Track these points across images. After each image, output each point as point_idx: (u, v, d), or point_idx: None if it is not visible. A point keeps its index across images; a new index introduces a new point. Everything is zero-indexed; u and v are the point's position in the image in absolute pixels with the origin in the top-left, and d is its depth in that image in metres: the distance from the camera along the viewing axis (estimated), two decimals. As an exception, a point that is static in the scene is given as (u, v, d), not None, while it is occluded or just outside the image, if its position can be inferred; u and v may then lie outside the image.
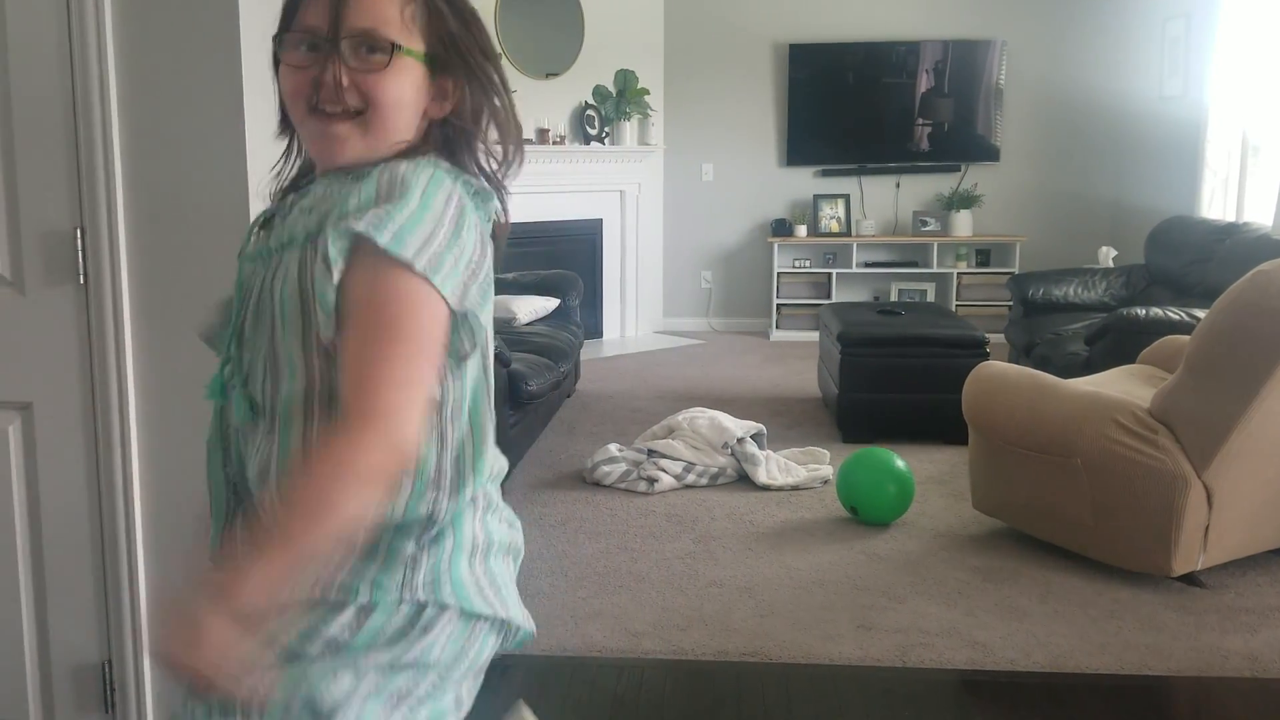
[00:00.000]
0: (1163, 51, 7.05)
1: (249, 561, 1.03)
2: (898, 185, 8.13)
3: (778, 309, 8.05)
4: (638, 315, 7.92)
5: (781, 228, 8.06)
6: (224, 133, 1.83)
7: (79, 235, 1.85)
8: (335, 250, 1.07)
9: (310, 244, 1.11)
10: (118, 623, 1.97)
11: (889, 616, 3.19)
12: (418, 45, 1.15)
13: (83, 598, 1.97)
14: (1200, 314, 3.98)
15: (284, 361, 1.14)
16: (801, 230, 8.04)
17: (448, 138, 1.20)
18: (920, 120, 8.02)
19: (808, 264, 8.09)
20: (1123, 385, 3.77)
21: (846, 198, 8.12)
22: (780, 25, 8.04)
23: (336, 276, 1.07)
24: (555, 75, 7.21)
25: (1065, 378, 3.87)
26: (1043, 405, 3.58)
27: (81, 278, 1.86)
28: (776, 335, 8.01)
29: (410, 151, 1.17)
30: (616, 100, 7.44)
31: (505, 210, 1.24)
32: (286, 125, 1.25)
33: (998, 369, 3.84)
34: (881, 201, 8.18)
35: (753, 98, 8.15)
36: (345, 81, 1.12)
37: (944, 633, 3.07)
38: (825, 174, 8.16)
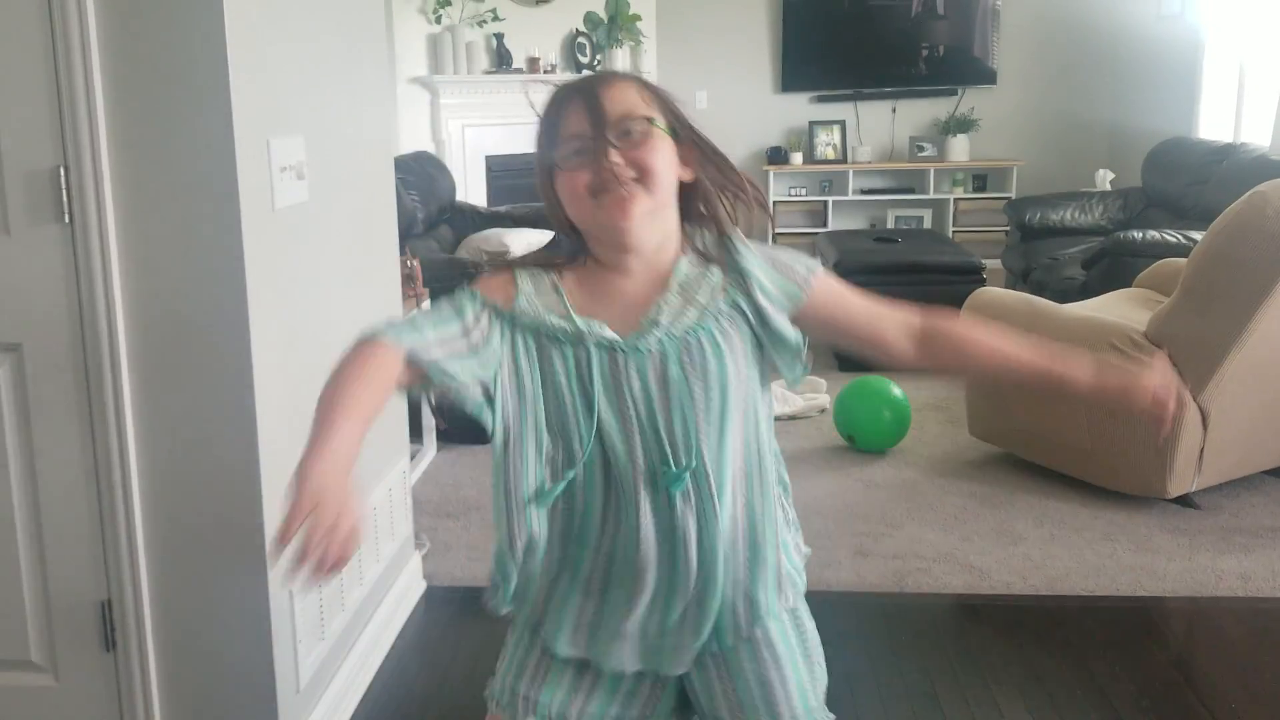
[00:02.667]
0: (1162, -31, 6.95)
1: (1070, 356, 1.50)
2: (894, 110, 8.06)
3: (774, 238, 8.01)
4: (633, 246, 7.87)
5: (777, 155, 8.00)
6: (207, 66, 1.79)
7: (63, 173, 1.83)
8: (790, 293, 1.41)
9: (724, 319, 1.37)
10: (116, 560, 1.97)
11: (886, 543, 3.21)
12: (660, 118, 1.37)
13: (80, 537, 1.97)
14: (1197, 237, 3.95)
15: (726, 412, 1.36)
16: (797, 158, 7.98)
17: (699, 198, 1.43)
18: (916, 44, 7.92)
19: (804, 192, 8.04)
20: (1119, 309, 3.76)
21: (842, 124, 8.04)
22: (773, -52, 7.91)
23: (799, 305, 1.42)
24: (545, 2, 7.10)
25: (1062, 302, 3.87)
26: (1039, 330, 3.56)
27: (66, 216, 1.84)
28: (772, 264, 7.99)
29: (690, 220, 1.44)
30: (608, 27, 7.33)
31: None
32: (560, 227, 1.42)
33: (994, 295, 3.83)
34: (877, 127, 8.11)
35: (746, 23, 8.05)
36: (621, 160, 1.32)
37: (941, 558, 3.10)
38: (821, 100, 8.08)
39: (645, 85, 1.40)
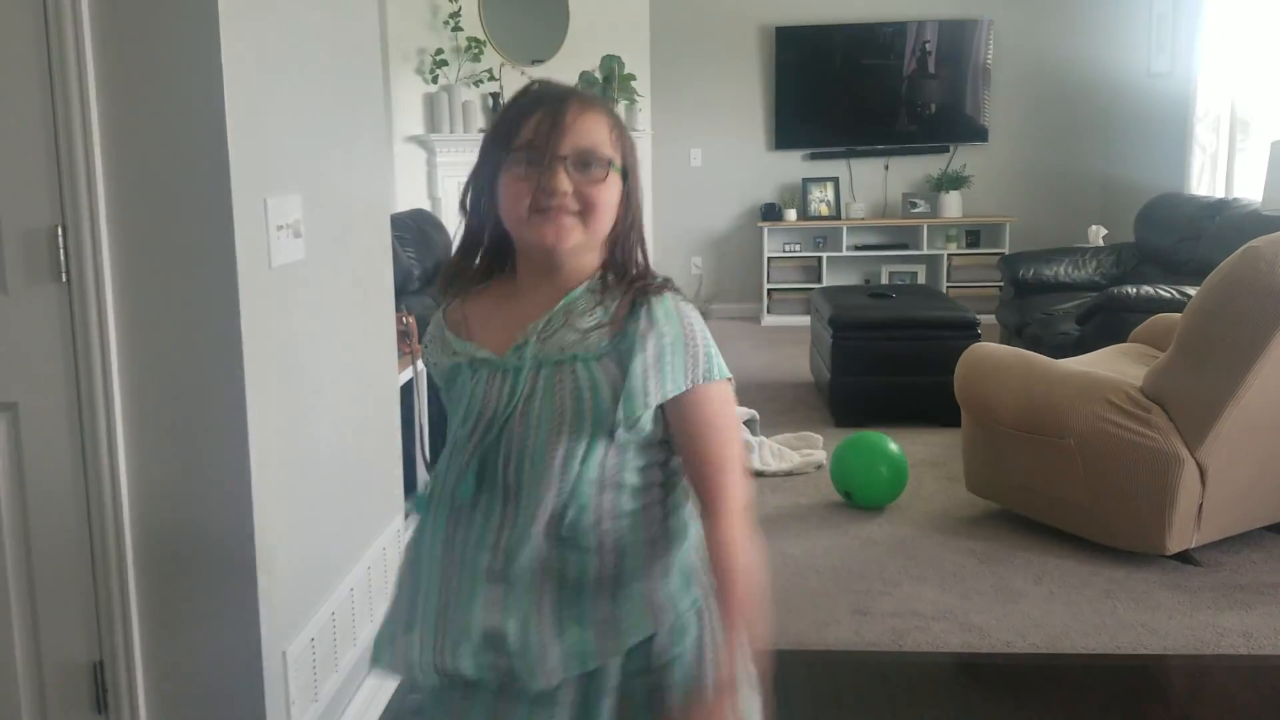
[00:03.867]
0: (1150, 27, 7.04)
1: (727, 650, 1.35)
2: (886, 167, 8.12)
3: (769, 294, 8.04)
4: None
5: (771, 212, 8.05)
6: (205, 126, 1.81)
7: (60, 232, 1.83)
8: (671, 387, 1.35)
9: (605, 364, 1.35)
10: (109, 622, 1.95)
11: (884, 601, 3.18)
12: (619, 161, 1.38)
13: (73, 598, 1.95)
14: (1191, 291, 3.97)
15: (573, 448, 1.35)
16: (791, 214, 8.02)
17: (615, 237, 1.41)
18: (908, 102, 8.00)
19: (798, 248, 8.08)
20: (1115, 365, 3.77)
21: (835, 181, 8.10)
22: (766, 8, 8.02)
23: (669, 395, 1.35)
24: (540, 62, 7.17)
25: (1057, 358, 3.87)
26: (1035, 386, 3.57)
27: (64, 275, 1.84)
28: (768, 320, 8.00)
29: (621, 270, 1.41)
30: (603, 87, 7.40)
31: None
32: (477, 235, 1.44)
33: (989, 350, 3.83)
34: (870, 184, 8.17)
35: (740, 82, 8.13)
36: (569, 189, 1.33)
37: (939, 616, 3.07)
38: (814, 157, 8.15)
39: (616, 124, 1.40)
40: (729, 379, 1.40)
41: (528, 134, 1.34)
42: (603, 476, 1.36)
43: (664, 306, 1.36)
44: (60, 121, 1.80)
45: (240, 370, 1.86)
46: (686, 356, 1.35)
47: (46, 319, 1.86)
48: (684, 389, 1.35)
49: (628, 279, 1.40)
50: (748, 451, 4.40)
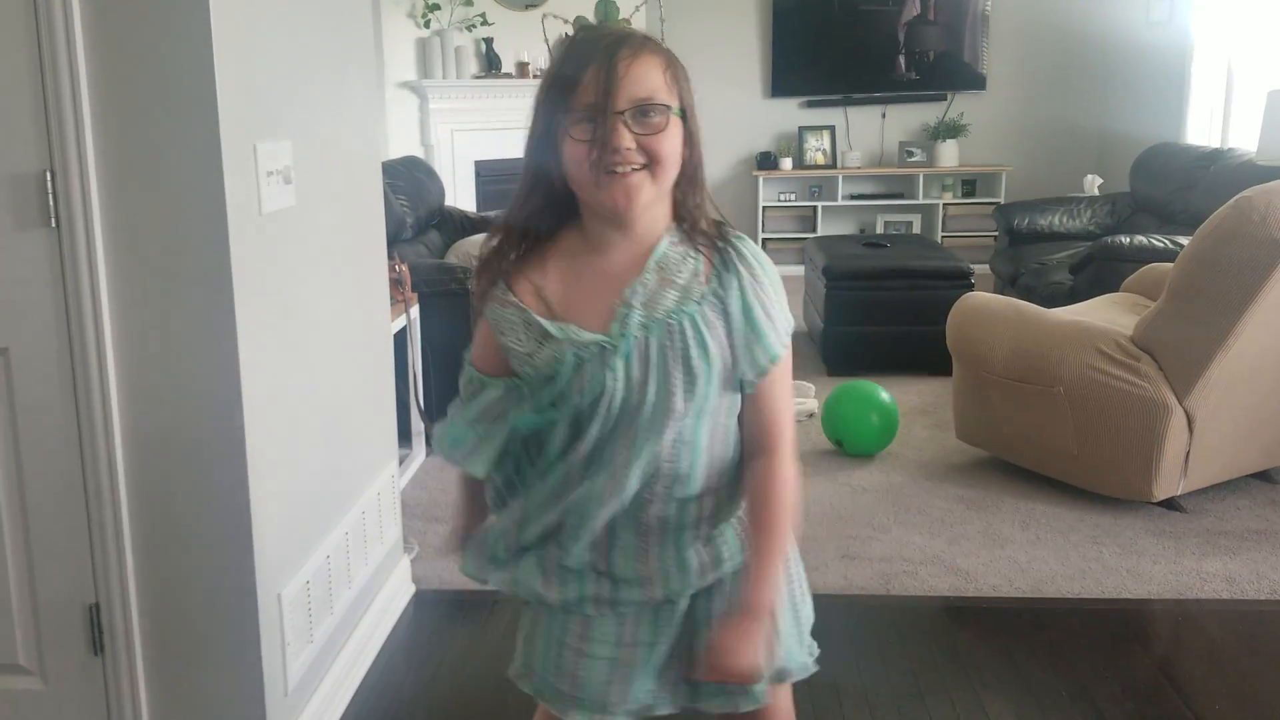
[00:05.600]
0: (1149, -25, 6.98)
1: (763, 576, 1.39)
2: (883, 116, 8.08)
3: (763, 243, 8.03)
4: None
5: (766, 160, 8.02)
6: (193, 70, 1.80)
7: (49, 178, 1.83)
8: (785, 325, 1.42)
9: (705, 312, 1.36)
10: (104, 564, 1.97)
11: (873, 546, 3.22)
12: (676, 104, 1.33)
13: (68, 541, 1.97)
14: (1184, 241, 3.98)
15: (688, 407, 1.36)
16: (787, 163, 7.99)
17: (683, 180, 1.38)
18: (906, 49, 7.95)
19: (793, 197, 8.06)
20: (1106, 314, 3.78)
21: (832, 129, 8.07)
22: (763, -46, 7.94)
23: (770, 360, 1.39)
24: (534, 6, 7.11)
25: (1049, 307, 3.88)
26: (1026, 335, 3.59)
27: (54, 221, 1.84)
28: (762, 269, 7.99)
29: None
30: (598, 33, 7.34)
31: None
32: (536, 185, 1.38)
33: (981, 300, 3.84)
34: (867, 133, 8.13)
35: (736, 28, 8.07)
36: (634, 145, 1.29)
37: (927, 561, 3.11)
38: (810, 105, 8.10)
39: (670, 63, 1.34)
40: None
41: (584, 94, 1.29)
42: (714, 428, 1.40)
43: (749, 248, 1.40)
44: (48, 66, 1.80)
45: (231, 316, 1.87)
46: (783, 297, 1.41)
47: (36, 264, 1.86)
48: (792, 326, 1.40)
49: (705, 221, 1.40)
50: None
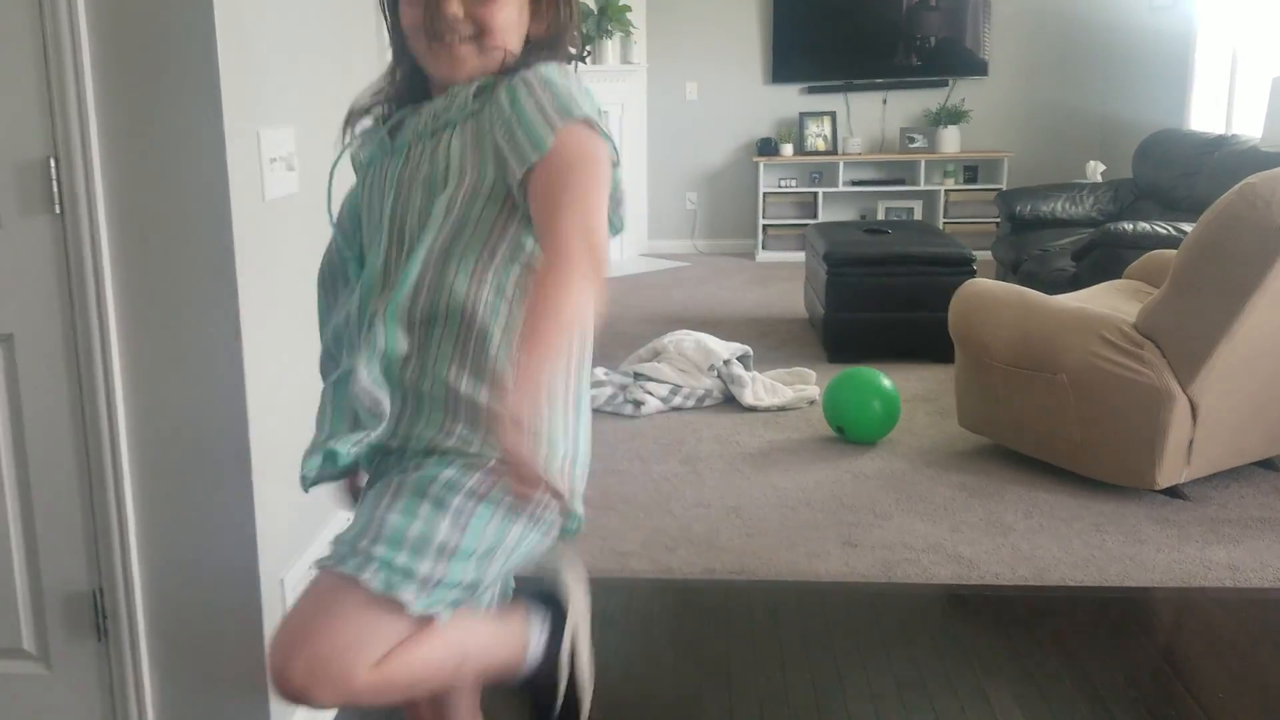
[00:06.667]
0: (1152, -39, 6.96)
1: (524, 385, 1.15)
2: (884, 102, 8.06)
3: (764, 229, 8.02)
4: (621, 238, 7.86)
5: (767, 147, 8.00)
6: (197, 57, 1.79)
7: (53, 164, 1.82)
8: (545, 130, 1.25)
9: (474, 120, 1.30)
10: (107, 550, 1.97)
11: (874, 534, 3.22)
12: None
13: (71, 526, 1.97)
14: (1187, 228, 3.97)
15: (453, 208, 1.30)
16: (787, 149, 7.98)
17: (545, 47, 1.37)
18: (908, 34, 7.92)
19: (794, 183, 8.04)
20: (1109, 301, 3.77)
21: (833, 115, 8.05)
22: (765, -62, 7.90)
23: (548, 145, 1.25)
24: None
25: (1052, 294, 3.88)
26: (1029, 322, 3.58)
27: (57, 207, 1.84)
28: (762, 256, 7.99)
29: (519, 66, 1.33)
30: (597, 18, 7.32)
31: None
32: (399, 51, 1.42)
33: (984, 286, 3.84)
34: (868, 118, 8.11)
35: (737, 14, 8.04)
36: (461, 14, 1.28)
37: (929, 548, 3.11)
38: (811, 91, 8.08)
39: None
40: (587, 120, 1.29)
41: None
42: (482, 247, 1.34)
43: (546, 68, 1.32)
44: (51, 53, 1.79)
45: (235, 301, 1.86)
46: (545, 95, 1.27)
47: (41, 250, 1.86)
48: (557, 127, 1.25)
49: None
50: (740, 387, 4.43)
